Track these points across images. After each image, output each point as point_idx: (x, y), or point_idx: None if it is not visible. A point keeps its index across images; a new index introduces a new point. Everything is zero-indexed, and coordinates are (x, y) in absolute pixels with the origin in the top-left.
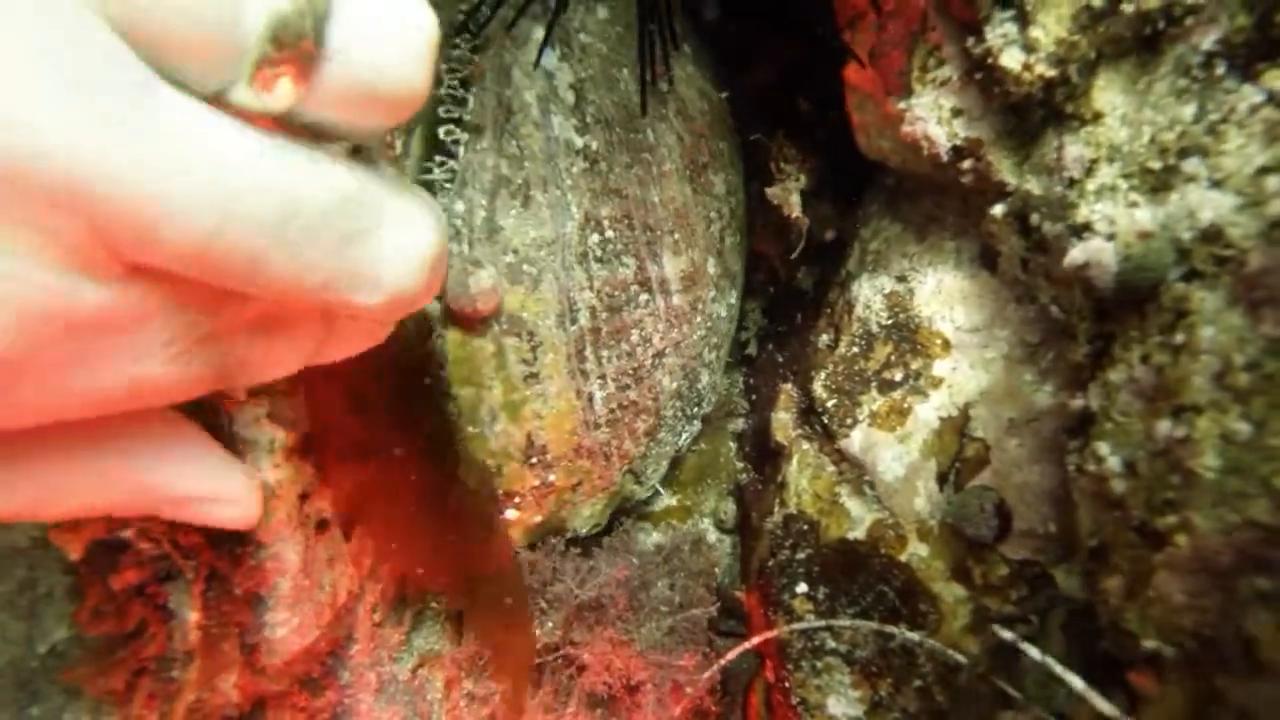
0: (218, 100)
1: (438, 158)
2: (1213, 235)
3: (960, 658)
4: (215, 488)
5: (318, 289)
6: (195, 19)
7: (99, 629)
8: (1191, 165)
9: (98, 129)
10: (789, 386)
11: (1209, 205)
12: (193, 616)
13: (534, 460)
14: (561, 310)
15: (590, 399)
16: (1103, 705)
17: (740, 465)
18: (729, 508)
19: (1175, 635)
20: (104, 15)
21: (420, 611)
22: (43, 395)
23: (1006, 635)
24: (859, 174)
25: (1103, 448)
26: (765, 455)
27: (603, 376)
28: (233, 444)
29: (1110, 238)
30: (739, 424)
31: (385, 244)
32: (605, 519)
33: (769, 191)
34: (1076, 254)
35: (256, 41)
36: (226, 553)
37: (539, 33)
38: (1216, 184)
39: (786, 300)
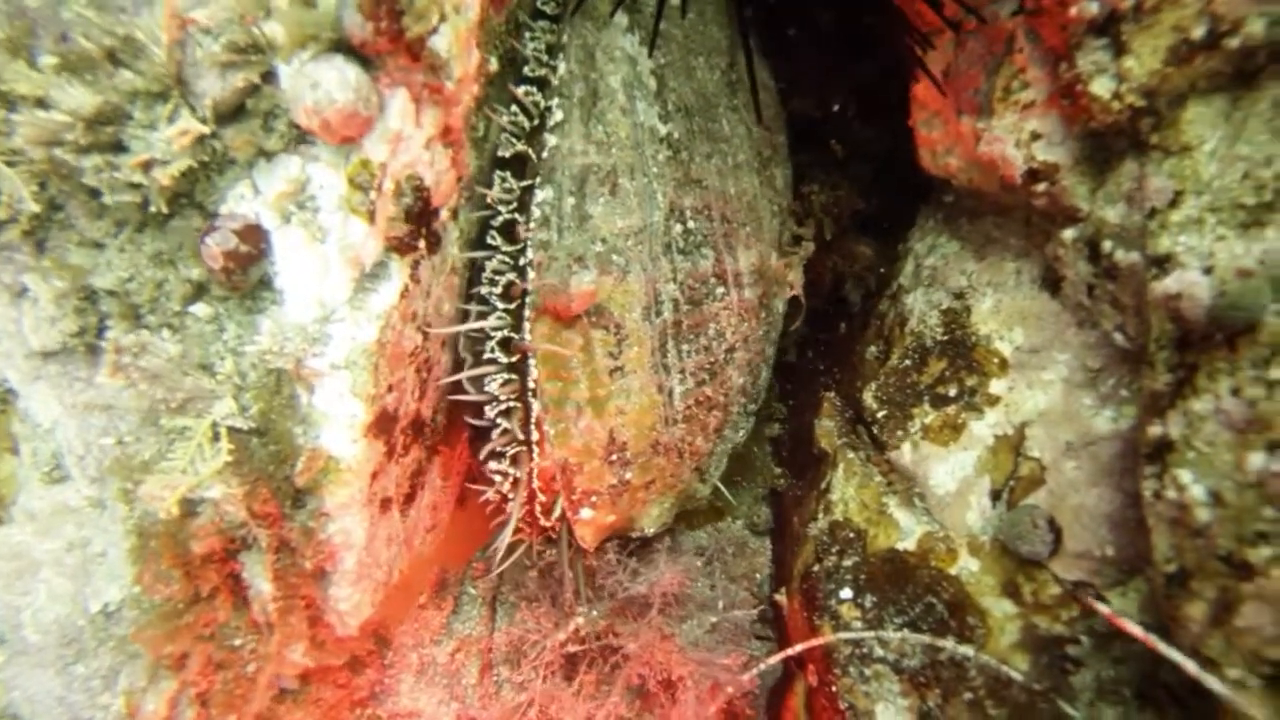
0: None
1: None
2: None
3: (1015, 674)
4: None
5: None
6: None
7: (162, 593)
8: None
9: None
10: (831, 395)
11: None
12: (267, 588)
13: (613, 458)
14: (647, 303)
15: (670, 394)
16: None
17: (777, 470)
18: (762, 511)
19: (1262, 666)
20: None
21: (459, 596)
22: None
23: (1103, 609)
24: (904, 208)
25: (1185, 475)
26: (805, 461)
27: (682, 371)
28: (311, 418)
29: (1207, 271)
30: (774, 428)
31: None
32: (671, 518)
33: (774, 265)
34: (1170, 284)
35: None
36: (298, 526)
37: (620, 17)
38: None
39: (829, 309)
